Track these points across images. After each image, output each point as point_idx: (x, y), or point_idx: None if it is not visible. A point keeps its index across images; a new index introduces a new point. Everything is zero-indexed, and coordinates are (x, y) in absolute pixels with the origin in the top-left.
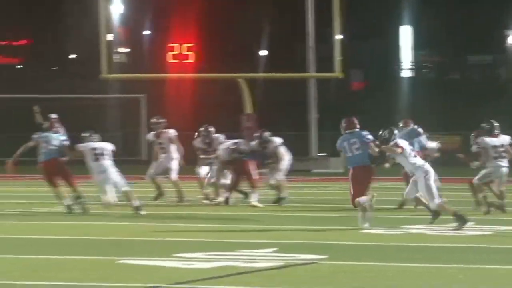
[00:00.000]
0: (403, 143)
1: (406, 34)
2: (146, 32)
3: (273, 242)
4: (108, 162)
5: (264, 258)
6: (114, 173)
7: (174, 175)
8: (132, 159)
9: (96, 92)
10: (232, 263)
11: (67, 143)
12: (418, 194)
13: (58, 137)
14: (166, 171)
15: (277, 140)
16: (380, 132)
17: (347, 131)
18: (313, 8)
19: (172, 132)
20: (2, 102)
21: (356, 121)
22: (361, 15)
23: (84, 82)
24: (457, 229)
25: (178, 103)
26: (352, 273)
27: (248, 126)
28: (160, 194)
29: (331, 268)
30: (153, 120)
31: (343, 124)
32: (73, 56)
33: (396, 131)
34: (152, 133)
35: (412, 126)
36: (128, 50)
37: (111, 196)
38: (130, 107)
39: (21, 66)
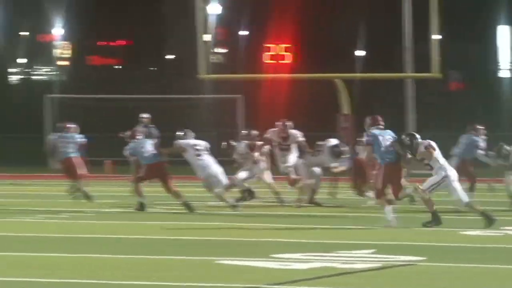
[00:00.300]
0: (434, 145)
1: (503, 34)
2: (243, 33)
3: (371, 243)
4: (210, 158)
5: (362, 259)
6: (215, 167)
7: (268, 177)
8: (227, 160)
9: (193, 92)
10: (330, 264)
11: (156, 142)
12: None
13: (149, 143)
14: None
15: None
16: (403, 137)
17: (373, 127)
18: (410, 8)
19: (266, 147)
20: (101, 102)
21: (380, 119)
22: (458, 16)
23: (181, 82)
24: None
25: (274, 103)
26: (451, 274)
27: (345, 126)
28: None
29: (430, 270)
30: (245, 132)
31: (368, 120)
32: (170, 56)
33: (418, 136)
34: (245, 144)
35: (475, 137)
36: (225, 50)
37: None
38: (225, 107)
39: (120, 66)
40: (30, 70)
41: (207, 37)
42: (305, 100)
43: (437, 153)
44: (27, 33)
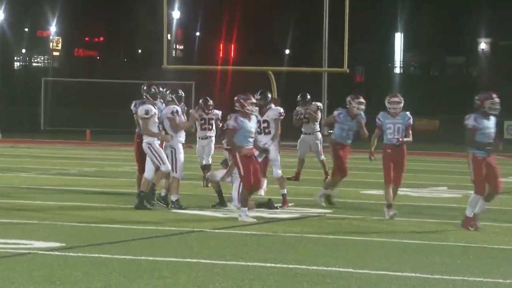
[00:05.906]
0: None
1: (398, 39)
2: (197, 33)
3: (293, 198)
4: None
5: (285, 211)
6: None
7: None
8: None
9: (158, 80)
10: (260, 214)
11: None
12: None
13: None
14: None
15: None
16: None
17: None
18: (327, 18)
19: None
20: (85, 85)
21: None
22: (362, 23)
23: (148, 71)
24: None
25: (222, 90)
26: (351, 223)
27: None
28: None
29: (336, 220)
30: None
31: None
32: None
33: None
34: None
35: None
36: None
37: None
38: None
39: (98, 57)
40: (30, 58)
41: (169, 36)
42: (245, 88)
43: None
44: (28, 29)
